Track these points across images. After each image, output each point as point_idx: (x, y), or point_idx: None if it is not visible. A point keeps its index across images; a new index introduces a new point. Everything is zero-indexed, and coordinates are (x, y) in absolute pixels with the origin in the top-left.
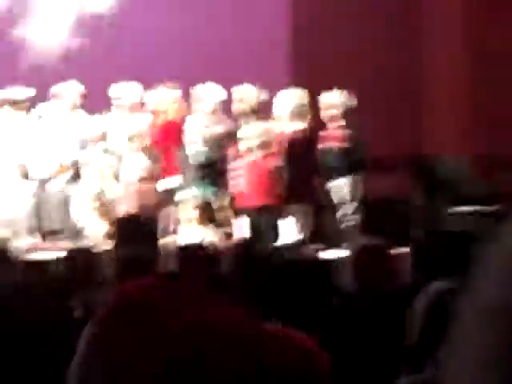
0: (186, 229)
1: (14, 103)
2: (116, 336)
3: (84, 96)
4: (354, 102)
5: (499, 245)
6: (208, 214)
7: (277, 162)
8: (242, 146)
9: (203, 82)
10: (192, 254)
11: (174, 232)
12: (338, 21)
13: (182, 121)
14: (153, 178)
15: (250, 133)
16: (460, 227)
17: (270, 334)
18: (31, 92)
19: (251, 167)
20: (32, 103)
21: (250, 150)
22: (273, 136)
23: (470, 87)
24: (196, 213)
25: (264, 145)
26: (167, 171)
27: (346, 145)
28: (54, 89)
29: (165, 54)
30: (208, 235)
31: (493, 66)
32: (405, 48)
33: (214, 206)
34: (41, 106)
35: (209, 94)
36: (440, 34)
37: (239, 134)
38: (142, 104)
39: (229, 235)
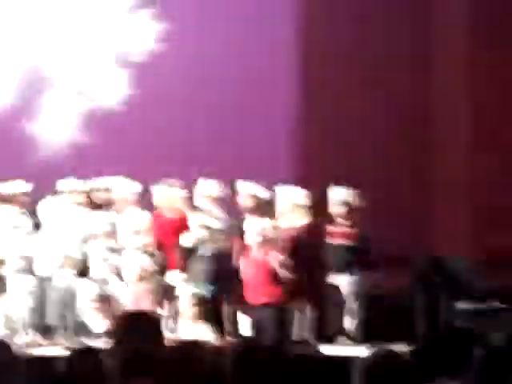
0: (185, 325)
1: (14, 197)
2: None
3: (86, 192)
4: (361, 200)
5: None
6: (205, 311)
7: (280, 258)
8: (246, 240)
9: (206, 178)
10: (188, 352)
11: (174, 329)
12: (349, 119)
13: (186, 218)
14: (152, 275)
15: (254, 228)
16: (462, 324)
17: None
18: (28, 187)
19: (254, 263)
20: (36, 198)
21: (253, 245)
22: (276, 232)
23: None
24: (193, 309)
25: (268, 241)
26: (171, 266)
27: (353, 242)
28: (59, 184)
29: (169, 151)
30: (204, 332)
31: None
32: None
33: (211, 303)
34: (46, 201)
35: (209, 190)
36: (450, 131)
37: (244, 229)
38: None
39: (227, 333)
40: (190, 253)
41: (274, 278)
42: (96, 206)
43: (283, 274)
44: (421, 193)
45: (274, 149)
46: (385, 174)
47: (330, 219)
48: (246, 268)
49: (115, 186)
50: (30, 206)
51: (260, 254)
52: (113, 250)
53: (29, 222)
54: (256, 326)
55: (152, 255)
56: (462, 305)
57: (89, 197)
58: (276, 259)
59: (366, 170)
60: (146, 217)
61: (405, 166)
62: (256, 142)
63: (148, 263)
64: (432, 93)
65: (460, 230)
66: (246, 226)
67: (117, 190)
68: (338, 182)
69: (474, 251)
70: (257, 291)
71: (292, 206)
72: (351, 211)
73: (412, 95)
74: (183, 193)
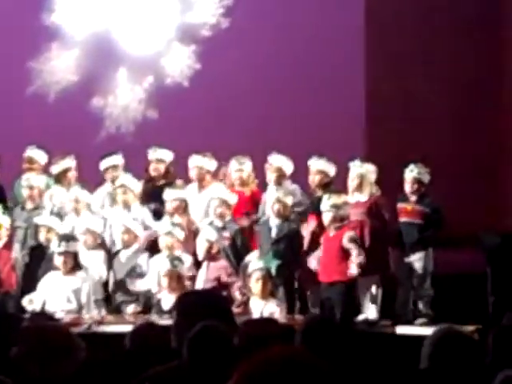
0: (255, 302)
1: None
2: None
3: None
4: (429, 177)
5: None
6: (274, 288)
7: (351, 234)
8: (322, 218)
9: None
10: (256, 328)
11: (245, 304)
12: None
13: (257, 193)
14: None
15: (326, 205)
16: None
17: None
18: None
19: (326, 240)
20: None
21: (326, 222)
22: (347, 208)
23: None
24: (263, 286)
25: (339, 217)
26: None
27: (424, 220)
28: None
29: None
30: (273, 309)
31: None
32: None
33: (281, 279)
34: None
35: (282, 164)
36: None
37: (318, 207)
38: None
39: (296, 310)
40: (261, 229)
41: (345, 255)
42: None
43: (354, 251)
44: (489, 172)
45: (343, 128)
46: (452, 149)
47: (403, 196)
48: (318, 244)
49: (192, 161)
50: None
51: (332, 231)
52: (181, 226)
53: (96, 198)
54: (325, 303)
55: (223, 229)
56: None
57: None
58: (347, 236)
59: (434, 145)
60: (223, 191)
61: (473, 142)
62: (325, 122)
63: (218, 238)
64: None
65: None
66: (320, 202)
67: (194, 165)
68: (409, 160)
69: None
70: (328, 268)
71: (364, 182)
72: (423, 188)
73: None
74: (250, 168)
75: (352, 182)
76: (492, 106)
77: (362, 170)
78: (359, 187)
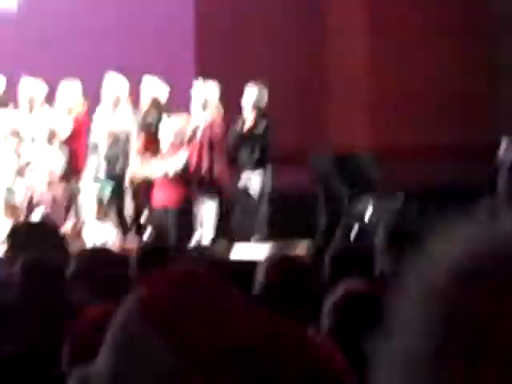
0: (91, 225)
1: None
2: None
3: None
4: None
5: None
6: (109, 210)
7: (185, 156)
8: (161, 141)
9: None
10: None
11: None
12: None
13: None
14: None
15: (164, 127)
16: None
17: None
18: None
19: (161, 164)
20: None
21: (165, 144)
22: (185, 130)
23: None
24: (98, 209)
25: (178, 140)
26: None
27: (260, 136)
28: None
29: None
30: (109, 232)
31: None
32: None
33: (109, 202)
34: None
35: (115, 85)
36: None
37: (157, 128)
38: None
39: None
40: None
41: (179, 179)
42: None
43: (188, 174)
44: (324, 89)
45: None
46: (289, 70)
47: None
48: (154, 168)
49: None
50: None
51: (168, 153)
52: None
53: None
54: (158, 228)
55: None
56: (362, 202)
57: None
58: (182, 159)
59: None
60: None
61: (300, 64)
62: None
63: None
64: None
65: (357, 126)
66: (161, 123)
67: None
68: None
69: (371, 147)
70: (163, 192)
71: (204, 102)
72: (260, 111)
73: None
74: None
75: (195, 104)
76: None
77: (205, 93)
78: (203, 109)
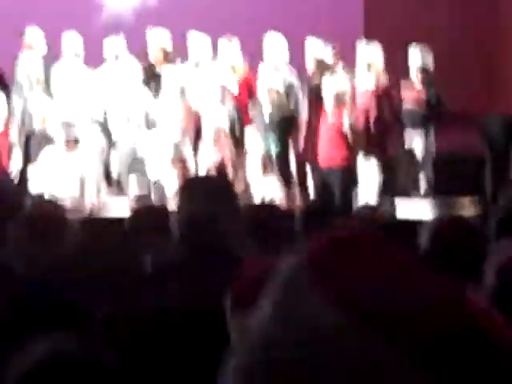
0: (256, 179)
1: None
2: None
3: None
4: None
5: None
6: (270, 168)
7: (352, 119)
8: (323, 101)
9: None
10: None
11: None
12: None
13: (253, 76)
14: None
15: (328, 89)
16: None
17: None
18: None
19: (325, 124)
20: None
21: (328, 106)
22: (349, 91)
23: None
24: (263, 163)
25: (342, 102)
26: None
27: (427, 106)
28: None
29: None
30: (273, 186)
31: None
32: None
33: (278, 160)
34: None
35: (278, 46)
36: None
37: (319, 88)
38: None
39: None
40: (257, 112)
41: (346, 139)
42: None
43: (354, 136)
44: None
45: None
46: (457, 33)
47: (407, 82)
48: (320, 128)
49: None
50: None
51: (333, 115)
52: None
53: (97, 81)
54: (323, 186)
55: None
56: None
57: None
58: (348, 121)
59: (438, 28)
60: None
61: (474, 28)
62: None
63: (226, 124)
64: None
65: None
66: (321, 83)
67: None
68: (412, 44)
69: None
70: (327, 152)
71: (369, 66)
72: (428, 75)
73: None
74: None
75: (360, 65)
76: None
77: (369, 56)
78: (367, 72)
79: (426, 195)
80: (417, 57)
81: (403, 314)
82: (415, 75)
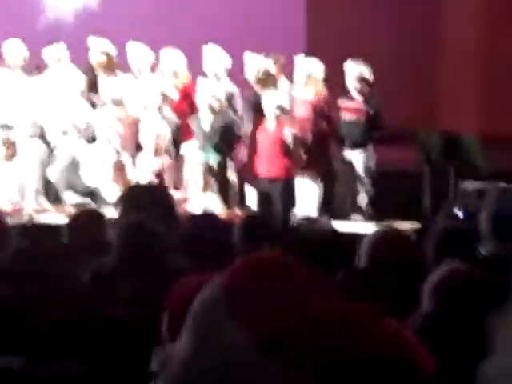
0: (195, 195)
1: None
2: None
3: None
4: (372, 74)
5: None
6: (210, 181)
7: (293, 131)
8: (263, 113)
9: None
10: (205, 222)
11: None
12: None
13: (194, 84)
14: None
15: (271, 101)
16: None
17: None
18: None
19: (267, 136)
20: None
21: (269, 118)
22: (288, 104)
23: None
24: (203, 179)
25: (283, 114)
26: (185, 136)
27: (366, 118)
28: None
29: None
30: (212, 203)
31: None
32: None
33: (220, 173)
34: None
35: (218, 58)
36: None
37: (259, 100)
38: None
39: (234, 204)
40: (197, 123)
41: (286, 151)
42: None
43: (295, 147)
44: (430, 67)
45: (287, 19)
46: (395, 46)
47: (345, 94)
48: (260, 140)
49: (131, 50)
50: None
51: (274, 127)
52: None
53: (36, 89)
54: (263, 198)
55: (170, 121)
56: (467, 185)
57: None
58: (289, 132)
59: (376, 42)
60: (165, 82)
61: (415, 39)
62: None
63: (165, 131)
64: None
65: (469, 107)
66: (262, 98)
67: (133, 55)
68: (352, 56)
69: (481, 129)
70: (268, 164)
71: (308, 78)
72: (366, 86)
73: None
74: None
75: (299, 78)
76: None
77: (308, 68)
78: (306, 84)
79: (363, 219)
80: (354, 68)
81: (303, 339)
82: (353, 86)
